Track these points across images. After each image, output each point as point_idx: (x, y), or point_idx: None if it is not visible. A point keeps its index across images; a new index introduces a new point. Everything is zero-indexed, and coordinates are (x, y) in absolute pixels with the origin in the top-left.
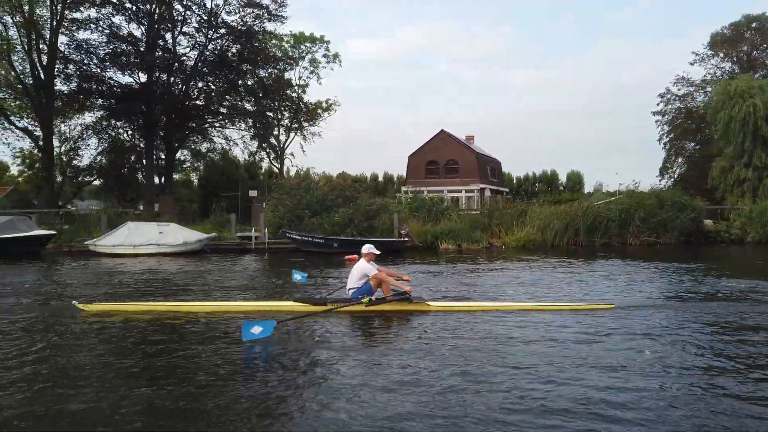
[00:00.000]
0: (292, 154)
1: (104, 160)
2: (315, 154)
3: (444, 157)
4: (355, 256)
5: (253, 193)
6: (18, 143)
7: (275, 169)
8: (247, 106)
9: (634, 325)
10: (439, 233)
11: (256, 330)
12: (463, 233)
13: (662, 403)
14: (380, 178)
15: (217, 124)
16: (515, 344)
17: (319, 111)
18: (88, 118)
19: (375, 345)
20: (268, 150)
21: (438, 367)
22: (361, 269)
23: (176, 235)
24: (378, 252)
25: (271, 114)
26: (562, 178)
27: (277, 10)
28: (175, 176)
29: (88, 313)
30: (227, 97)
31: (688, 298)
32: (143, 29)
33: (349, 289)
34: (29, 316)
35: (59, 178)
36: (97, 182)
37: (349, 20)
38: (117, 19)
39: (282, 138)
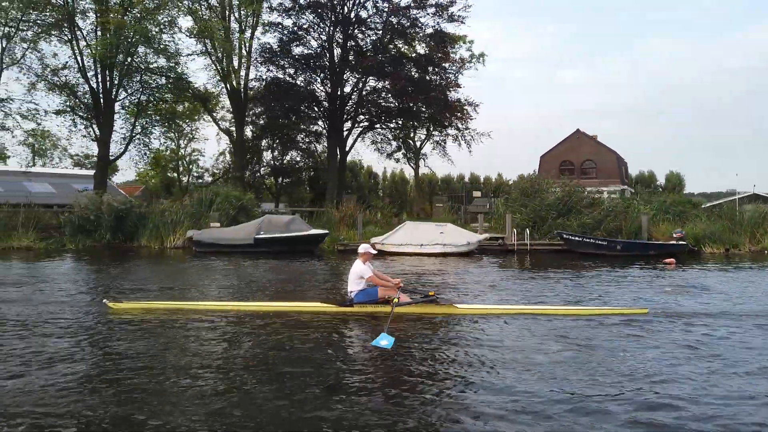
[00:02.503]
0: (425, 155)
1: (285, 161)
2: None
3: (580, 157)
4: (672, 260)
5: (477, 193)
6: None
7: (374, 170)
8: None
9: None
10: (701, 236)
11: (384, 342)
12: (724, 236)
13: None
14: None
15: (392, 125)
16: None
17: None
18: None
19: (399, 349)
20: (404, 150)
21: (457, 371)
22: (358, 271)
23: (458, 235)
24: (375, 252)
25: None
26: (660, 179)
27: (462, 9)
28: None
29: (117, 311)
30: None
31: None
32: (330, 30)
33: (350, 292)
34: None
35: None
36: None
37: None
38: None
39: (418, 139)
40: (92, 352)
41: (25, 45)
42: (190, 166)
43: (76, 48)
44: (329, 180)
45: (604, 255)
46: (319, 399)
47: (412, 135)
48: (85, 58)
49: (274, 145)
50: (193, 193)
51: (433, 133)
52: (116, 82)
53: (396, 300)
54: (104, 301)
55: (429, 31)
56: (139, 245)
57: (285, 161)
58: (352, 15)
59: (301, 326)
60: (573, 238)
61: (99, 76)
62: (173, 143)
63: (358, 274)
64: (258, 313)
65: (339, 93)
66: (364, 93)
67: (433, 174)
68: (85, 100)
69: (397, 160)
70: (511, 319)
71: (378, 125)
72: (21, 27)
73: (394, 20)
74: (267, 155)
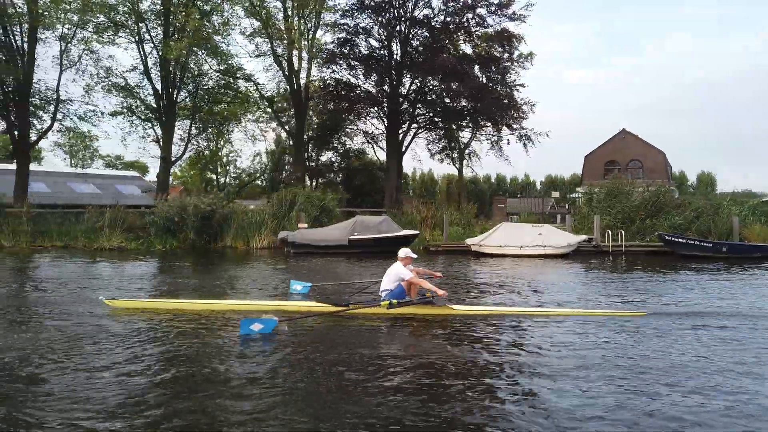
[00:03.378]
0: (469, 156)
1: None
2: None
3: (626, 156)
4: None
5: (555, 194)
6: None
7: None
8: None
9: None
10: None
11: (256, 327)
12: None
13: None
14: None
15: (453, 125)
16: (532, 349)
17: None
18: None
19: (386, 347)
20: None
21: (448, 373)
22: (396, 272)
23: (557, 236)
24: (415, 256)
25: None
26: (690, 178)
27: (524, 8)
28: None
29: (116, 309)
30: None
31: None
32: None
33: (382, 291)
34: None
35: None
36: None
37: None
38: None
39: (463, 139)
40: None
41: (83, 46)
42: (227, 167)
43: (142, 49)
44: (389, 181)
45: (708, 257)
46: (319, 401)
47: (457, 135)
48: (149, 59)
49: (310, 146)
50: (272, 194)
51: (492, 133)
52: (178, 83)
53: (395, 302)
54: (100, 298)
55: (491, 30)
56: (224, 246)
57: (320, 162)
58: (414, 14)
59: (296, 327)
60: (675, 239)
61: (157, 77)
62: (212, 144)
63: (397, 276)
64: (252, 312)
65: (399, 93)
66: (426, 93)
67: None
68: (147, 102)
69: (441, 161)
70: (509, 320)
71: (443, 125)
72: (86, 28)
73: (458, 19)
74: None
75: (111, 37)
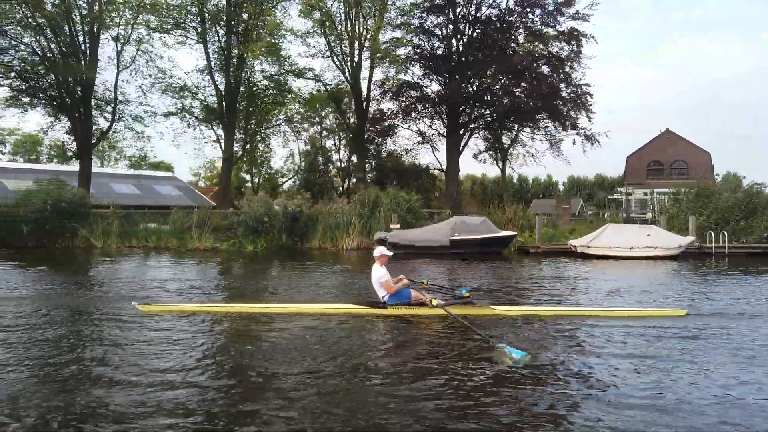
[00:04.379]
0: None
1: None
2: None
3: (670, 157)
4: None
5: (638, 193)
6: None
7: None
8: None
9: None
10: None
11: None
12: None
13: None
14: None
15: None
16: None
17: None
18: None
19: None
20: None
21: (481, 373)
22: (378, 275)
23: (667, 237)
24: (390, 254)
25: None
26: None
27: (588, 7)
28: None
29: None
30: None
31: None
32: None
33: (382, 297)
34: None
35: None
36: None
37: None
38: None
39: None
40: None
41: (143, 47)
42: (261, 167)
43: (206, 49)
44: (449, 181)
45: None
46: (362, 403)
47: (516, 135)
48: (212, 59)
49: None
50: (353, 194)
51: (553, 133)
52: (242, 84)
53: (434, 301)
54: (133, 303)
55: (562, 28)
56: (312, 247)
57: (352, 161)
58: (479, 13)
59: (332, 328)
60: None
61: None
62: (265, 144)
63: (380, 279)
64: (286, 315)
65: (462, 93)
66: (491, 92)
67: (484, 175)
68: (209, 102)
69: (484, 161)
70: (550, 322)
71: (504, 125)
72: (151, 29)
73: (523, 18)
74: (334, 156)
75: (180, 37)
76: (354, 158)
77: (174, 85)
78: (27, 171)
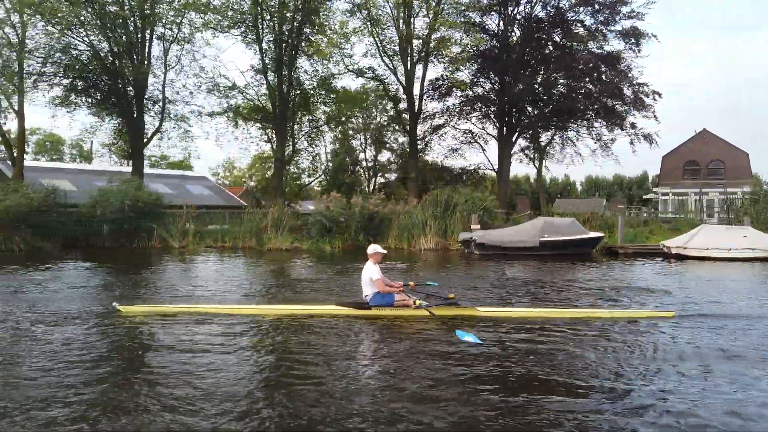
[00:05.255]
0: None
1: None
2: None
3: (706, 157)
4: None
5: (714, 193)
6: None
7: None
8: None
9: None
10: None
11: (469, 339)
12: None
13: None
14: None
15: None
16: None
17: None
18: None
19: (408, 351)
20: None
21: (464, 378)
22: (369, 273)
23: (764, 238)
24: (384, 251)
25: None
26: None
27: (643, 6)
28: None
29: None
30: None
31: None
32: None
33: (365, 296)
34: None
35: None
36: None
37: None
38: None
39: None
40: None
41: (191, 46)
42: (288, 167)
43: (260, 49)
44: (501, 182)
45: None
46: (337, 404)
47: (572, 135)
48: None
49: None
50: (424, 194)
51: (604, 132)
52: (294, 84)
53: (417, 302)
54: (114, 304)
55: (619, 27)
56: (388, 247)
57: (378, 161)
58: (534, 12)
59: (315, 330)
60: None
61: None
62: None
63: (370, 277)
64: (267, 317)
65: (515, 92)
66: (548, 91)
67: (515, 175)
68: (262, 102)
69: (520, 160)
70: (537, 323)
71: (558, 125)
72: (206, 27)
73: (585, 17)
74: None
75: (237, 36)
76: (380, 157)
77: (222, 85)
78: (80, 172)
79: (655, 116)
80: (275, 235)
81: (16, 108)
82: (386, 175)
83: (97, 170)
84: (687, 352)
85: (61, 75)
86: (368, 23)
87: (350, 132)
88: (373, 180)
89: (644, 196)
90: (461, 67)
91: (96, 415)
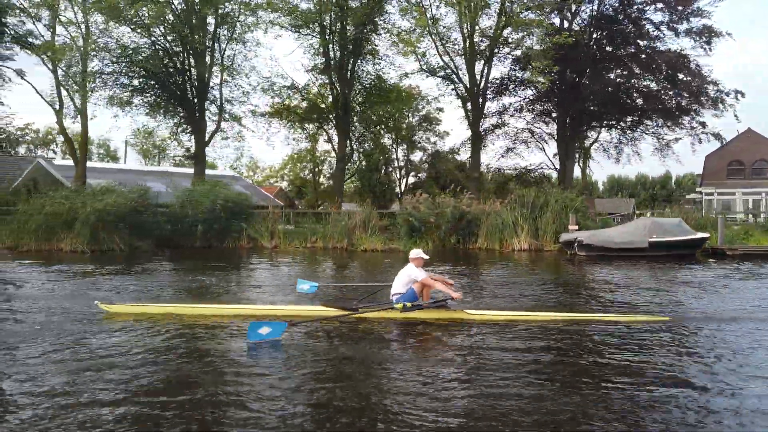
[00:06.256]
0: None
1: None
2: None
3: (752, 156)
4: None
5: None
6: None
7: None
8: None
9: None
10: None
11: (264, 330)
12: None
13: None
14: None
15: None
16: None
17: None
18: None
19: (396, 352)
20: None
21: (458, 382)
22: (408, 273)
23: None
24: (426, 257)
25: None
26: None
27: (710, 3)
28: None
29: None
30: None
31: None
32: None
33: (393, 294)
34: None
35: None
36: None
37: None
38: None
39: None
40: None
41: (245, 45)
42: (320, 167)
43: (325, 48)
44: (564, 182)
45: None
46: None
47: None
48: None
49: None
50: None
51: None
52: (355, 84)
53: (408, 305)
54: (96, 302)
55: (690, 26)
56: (479, 248)
57: (410, 160)
58: (603, 8)
59: (303, 332)
60: None
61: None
62: (372, 145)
63: (408, 277)
64: (257, 317)
65: (581, 90)
66: (622, 90)
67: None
68: (326, 102)
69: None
70: (525, 326)
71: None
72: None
73: (656, 15)
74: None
75: (308, 35)
76: (412, 157)
77: (279, 84)
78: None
79: (735, 116)
80: (365, 235)
81: (79, 107)
82: (419, 174)
83: (154, 170)
84: None
85: (132, 74)
86: (428, 22)
87: (403, 132)
88: (405, 180)
89: (687, 196)
90: (540, 64)
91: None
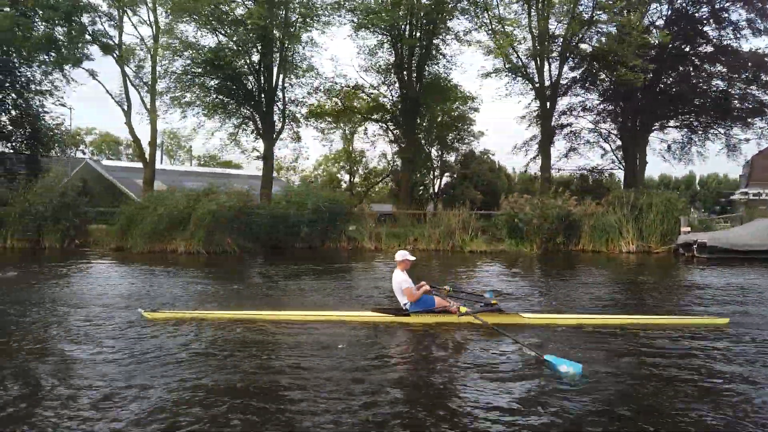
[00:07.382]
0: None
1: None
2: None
3: None
4: None
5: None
6: None
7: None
8: None
9: None
10: None
11: (563, 368)
12: None
13: None
14: None
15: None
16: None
17: None
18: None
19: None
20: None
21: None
22: (399, 281)
23: None
24: (412, 258)
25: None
26: None
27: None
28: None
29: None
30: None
31: None
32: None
33: (404, 304)
34: None
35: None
36: None
37: None
38: None
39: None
40: None
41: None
42: (356, 167)
43: (395, 48)
44: (636, 183)
45: None
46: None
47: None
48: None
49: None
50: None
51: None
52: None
53: (462, 309)
54: (139, 310)
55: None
56: (583, 249)
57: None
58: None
59: (351, 337)
60: None
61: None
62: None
63: (400, 285)
64: (300, 323)
65: (656, 87)
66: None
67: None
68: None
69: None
70: (581, 330)
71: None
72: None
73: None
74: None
75: (381, 36)
76: (446, 157)
77: (340, 84)
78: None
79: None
80: (467, 236)
81: (148, 106)
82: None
83: (220, 173)
84: None
85: (207, 74)
86: (492, 21)
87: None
88: (439, 180)
89: (731, 197)
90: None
91: None
